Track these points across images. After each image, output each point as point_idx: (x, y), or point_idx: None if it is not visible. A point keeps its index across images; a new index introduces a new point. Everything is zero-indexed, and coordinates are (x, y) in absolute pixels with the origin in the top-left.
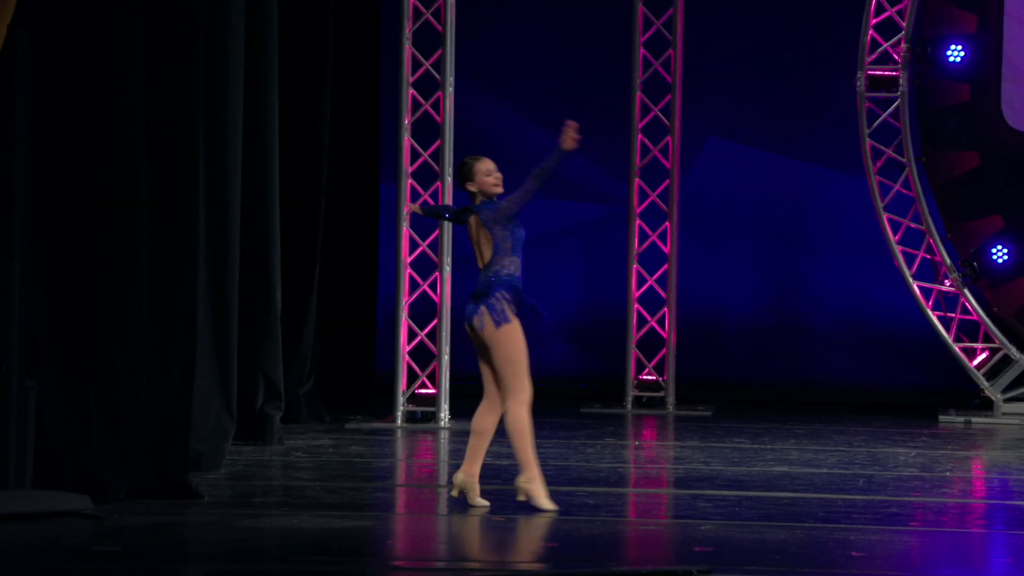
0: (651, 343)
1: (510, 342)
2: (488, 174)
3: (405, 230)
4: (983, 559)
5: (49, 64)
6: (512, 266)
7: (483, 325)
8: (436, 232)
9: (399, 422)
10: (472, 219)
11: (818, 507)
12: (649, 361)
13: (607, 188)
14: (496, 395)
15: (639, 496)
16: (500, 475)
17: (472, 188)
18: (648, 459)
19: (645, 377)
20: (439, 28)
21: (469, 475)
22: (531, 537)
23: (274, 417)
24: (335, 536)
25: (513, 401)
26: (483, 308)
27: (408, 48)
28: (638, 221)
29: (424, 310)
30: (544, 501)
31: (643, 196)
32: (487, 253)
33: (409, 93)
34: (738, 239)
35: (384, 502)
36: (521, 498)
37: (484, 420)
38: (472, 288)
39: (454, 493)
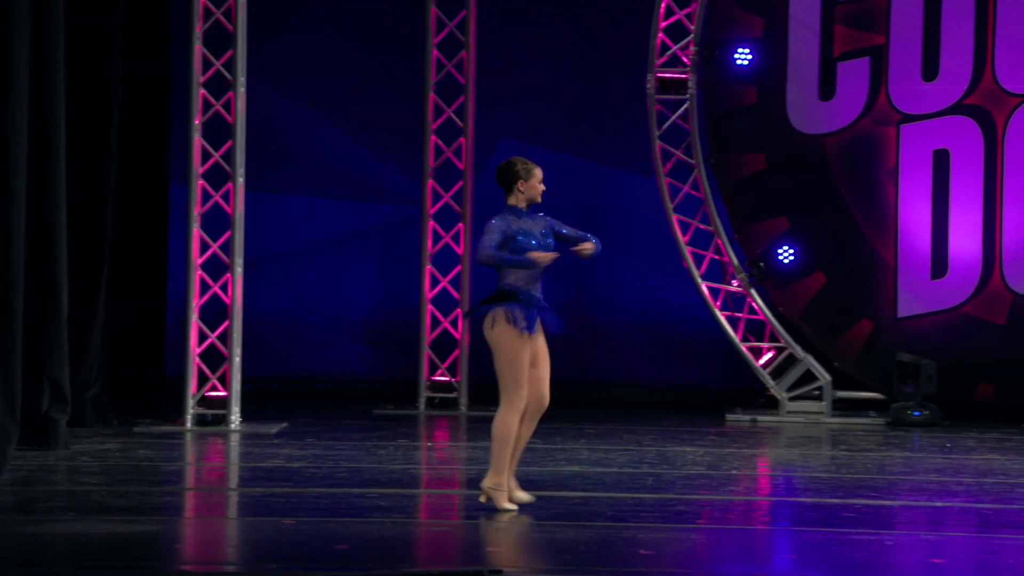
0: (444, 344)
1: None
2: (541, 182)
3: (196, 231)
4: (768, 556)
5: None
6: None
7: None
8: (228, 233)
9: (189, 425)
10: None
11: (608, 506)
12: (442, 362)
13: (401, 189)
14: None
15: (431, 497)
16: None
17: (522, 188)
18: (440, 460)
19: (438, 378)
20: (230, 28)
21: (504, 481)
22: (323, 539)
23: (60, 421)
24: (122, 541)
25: (507, 407)
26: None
27: (198, 48)
28: (431, 222)
29: (215, 312)
30: (505, 504)
31: (436, 197)
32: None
33: (200, 93)
34: None
35: (172, 506)
36: (483, 499)
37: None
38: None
39: (482, 499)
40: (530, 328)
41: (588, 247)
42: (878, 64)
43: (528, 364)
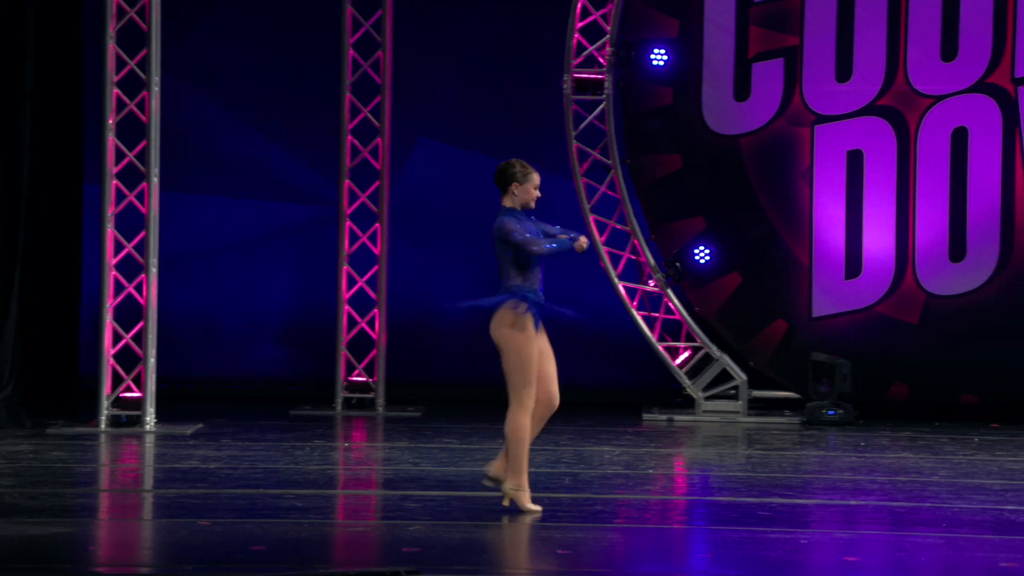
0: (361, 344)
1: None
2: (537, 188)
3: (110, 231)
4: (685, 555)
5: None
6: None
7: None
8: (142, 234)
9: (103, 426)
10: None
11: None
12: (359, 362)
13: (317, 189)
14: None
15: (348, 498)
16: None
17: (516, 191)
18: (357, 460)
19: (355, 378)
20: (144, 27)
21: (524, 481)
22: (239, 541)
23: None
24: (35, 543)
25: (518, 407)
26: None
27: (112, 47)
28: (348, 222)
29: (130, 312)
30: (529, 506)
31: (353, 197)
32: (504, 267)
33: (113, 92)
34: (450, 240)
35: (86, 508)
36: (506, 502)
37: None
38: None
39: (505, 503)
40: (535, 324)
41: (584, 242)
42: (792, 65)
43: (536, 363)
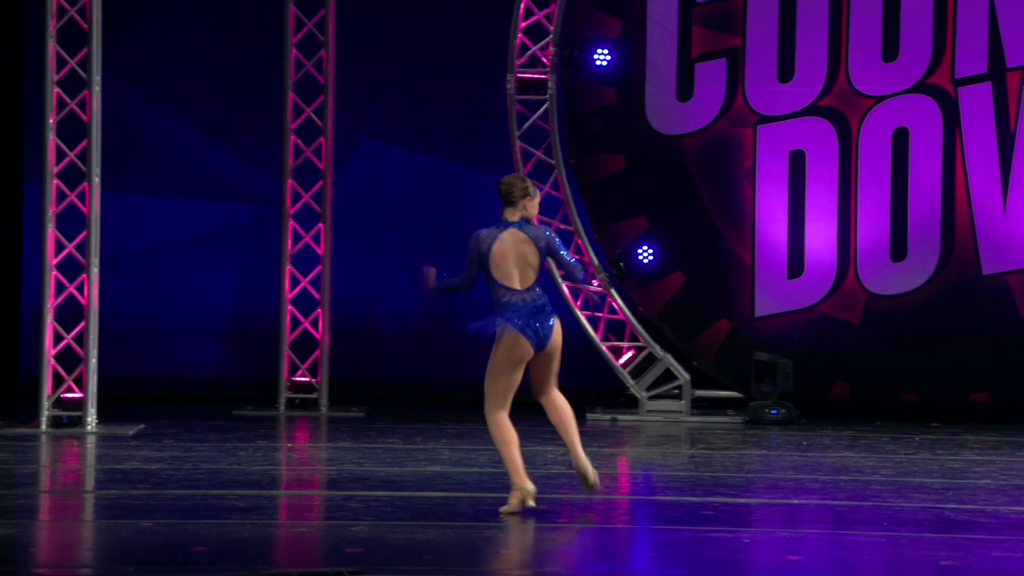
0: (305, 345)
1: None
2: (537, 207)
3: (51, 231)
4: (628, 554)
5: None
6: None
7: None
8: (83, 233)
9: (44, 427)
10: (518, 236)
11: (469, 506)
12: (302, 363)
13: (260, 189)
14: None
15: (291, 498)
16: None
17: (524, 204)
18: (301, 461)
19: (298, 379)
20: (84, 26)
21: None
22: (181, 542)
23: None
24: None
25: (488, 411)
26: (556, 320)
27: (52, 46)
28: (291, 222)
29: (71, 313)
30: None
31: (296, 197)
32: (531, 275)
33: (54, 92)
34: (393, 240)
35: (27, 509)
36: (531, 504)
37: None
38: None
39: (530, 503)
40: (536, 345)
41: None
42: (735, 65)
43: (514, 381)
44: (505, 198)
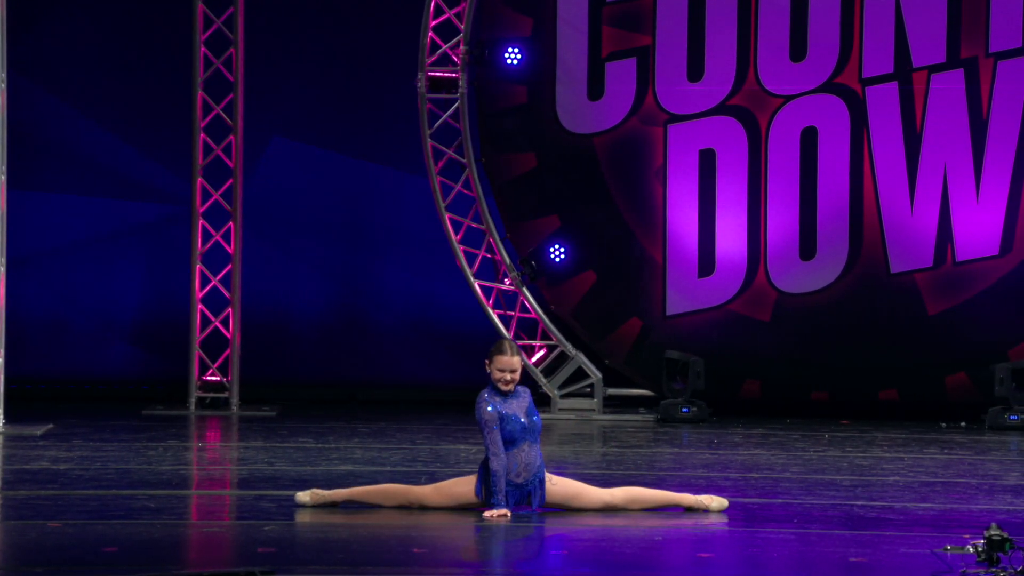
0: (215, 344)
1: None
2: (502, 371)
3: None
4: (540, 553)
5: None
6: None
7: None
8: None
9: None
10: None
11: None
12: (213, 362)
13: (169, 187)
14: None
15: (202, 498)
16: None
17: (488, 369)
18: (211, 461)
19: (209, 378)
20: None
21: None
22: (90, 542)
23: None
24: None
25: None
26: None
27: None
28: (201, 221)
29: None
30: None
31: (206, 195)
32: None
33: None
34: (304, 239)
35: None
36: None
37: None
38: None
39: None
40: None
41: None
42: (645, 64)
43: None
44: None
